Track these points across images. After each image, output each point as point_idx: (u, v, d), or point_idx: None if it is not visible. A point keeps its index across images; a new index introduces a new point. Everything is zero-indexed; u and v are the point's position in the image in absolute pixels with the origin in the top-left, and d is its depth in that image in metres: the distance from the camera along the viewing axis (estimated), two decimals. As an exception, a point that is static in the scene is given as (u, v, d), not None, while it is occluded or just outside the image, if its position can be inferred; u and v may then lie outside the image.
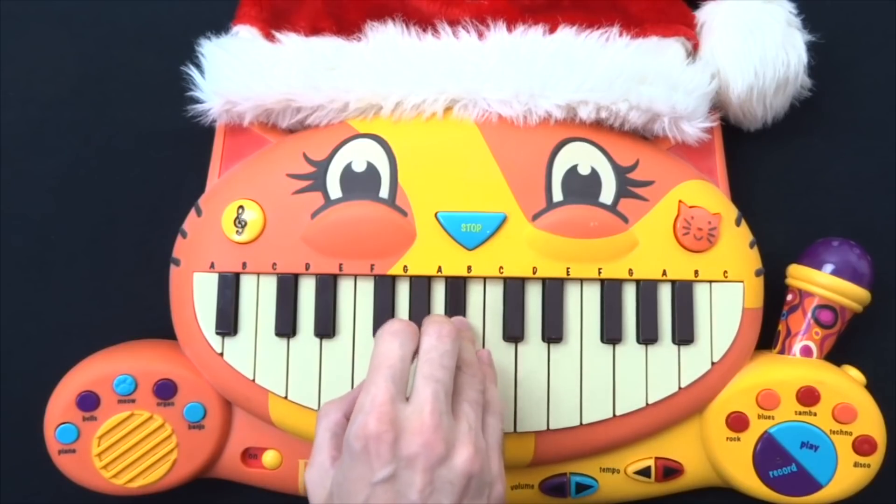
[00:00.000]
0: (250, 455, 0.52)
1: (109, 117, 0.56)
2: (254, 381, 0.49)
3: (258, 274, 0.49)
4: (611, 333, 0.50)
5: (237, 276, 0.49)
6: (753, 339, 0.51)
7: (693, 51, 0.52)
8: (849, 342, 0.53)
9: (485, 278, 0.50)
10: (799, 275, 0.52)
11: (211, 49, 0.50)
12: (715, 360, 0.50)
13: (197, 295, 0.49)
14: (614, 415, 0.49)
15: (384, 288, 0.49)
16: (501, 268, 0.49)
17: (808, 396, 0.50)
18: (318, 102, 0.49)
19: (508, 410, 0.49)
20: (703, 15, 0.53)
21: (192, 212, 0.51)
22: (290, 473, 0.51)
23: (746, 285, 0.50)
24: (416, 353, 0.43)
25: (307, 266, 0.49)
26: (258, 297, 0.50)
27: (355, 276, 0.49)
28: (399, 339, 0.42)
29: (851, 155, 0.57)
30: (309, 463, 0.42)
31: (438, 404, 0.40)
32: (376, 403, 0.39)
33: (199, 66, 0.50)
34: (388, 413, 0.39)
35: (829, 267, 0.51)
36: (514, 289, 0.50)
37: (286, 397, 0.49)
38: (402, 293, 0.50)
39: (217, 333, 0.49)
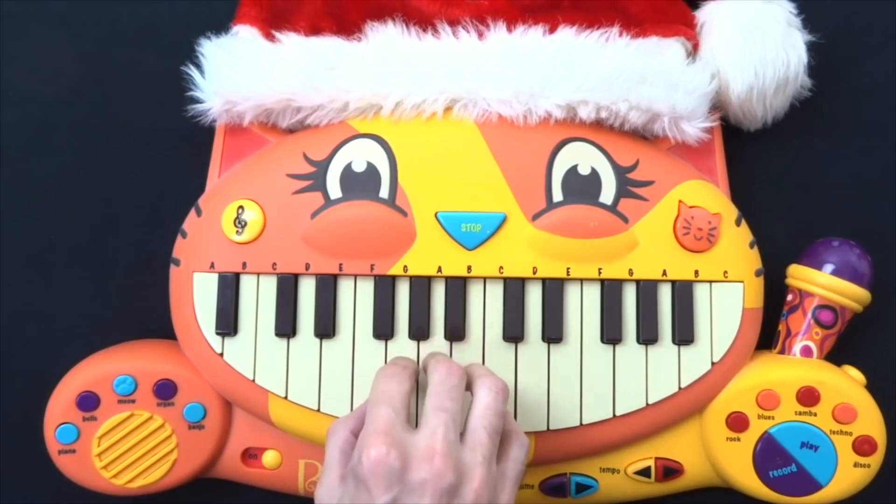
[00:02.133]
0: (250, 455, 0.52)
1: (109, 117, 0.56)
2: (254, 381, 0.49)
3: (258, 274, 0.49)
4: (611, 333, 0.50)
5: (237, 276, 0.49)
6: (753, 339, 0.51)
7: (693, 51, 0.52)
8: (849, 342, 0.53)
9: (485, 278, 0.50)
10: (799, 275, 0.52)
11: (211, 49, 0.50)
12: (715, 360, 0.50)
13: (197, 295, 0.49)
14: (614, 415, 0.49)
15: (384, 288, 0.49)
16: (501, 268, 0.49)
17: (808, 396, 0.50)
18: (318, 102, 0.49)
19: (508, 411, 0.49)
20: (703, 15, 0.53)
21: (192, 212, 0.51)
22: (290, 473, 0.51)
23: (746, 285, 0.50)
24: (416, 389, 0.44)
25: (307, 266, 0.49)
26: (258, 298, 0.50)
27: (355, 276, 0.49)
28: (396, 379, 0.43)
29: (851, 155, 0.57)
30: (319, 480, 0.43)
31: (448, 433, 0.40)
32: (377, 428, 0.40)
33: (199, 66, 0.50)
34: (389, 438, 0.39)
35: (829, 267, 0.51)
36: (514, 289, 0.50)
37: (286, 397, 0.49)
38: (402, 293, 0.50)
39: (217, 333, 0.49)
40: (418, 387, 0.47)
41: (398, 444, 0.39)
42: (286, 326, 0.49)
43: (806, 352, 0.51)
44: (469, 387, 0.44)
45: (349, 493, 0.40)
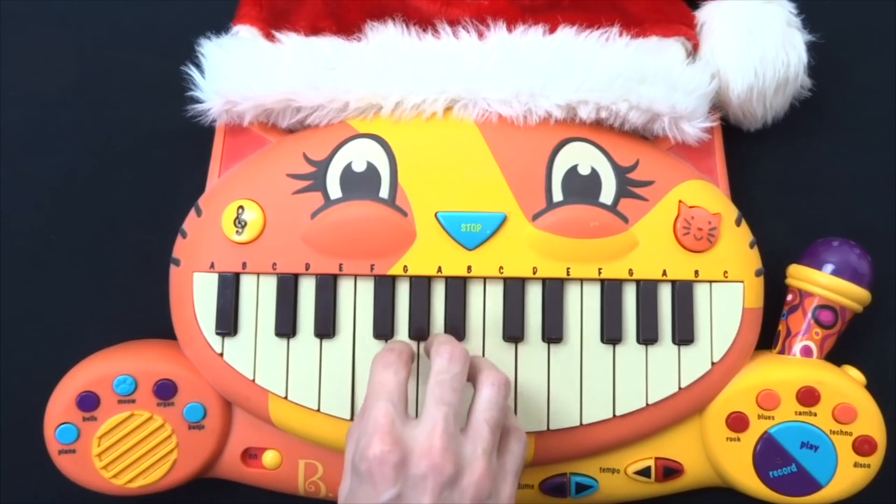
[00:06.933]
0: (250, 455, 0.52)
1: (109, 117, 0.56)
2: (254, 381, 0.49)
3: (258, 274, 0.49)
4: (611, 333, 0.50)
5: (237, 276, 0.49)
6: (753, 339, 0.51)
7: (693, 51, 0.52)
8: (849, 342, 0.53)
9: (485, 278, 0.50)
10: (799, 275, 0.52)
11: (211, 49, 0.50)
12: (715, 360, 0.50)
13: (197, 295, 0.49)
14: (614, 415, 0.49)
15: (384, 288, 0.49)
16: (501, 268, 0.49)
17: (808, 396, 0.50)
18: (318, 102, 0.49)
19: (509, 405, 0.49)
20: (703, 15, 0.53)
21: (192, 212, 0.51)
22: (290, 473, 0.51)
23: (746, 285, 0.50)
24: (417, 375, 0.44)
25: (307, 266, 0.49)
26: (258, 298, 0.50)
27: (355, 276, 0.49)
28: (392, 369, 0.43)
29: (851, 155, 0.57)
30: (342, 478, 0.43)
31: (448, 426, 0.40)
32: (378, 425, 0.40)
33: (199, 66, 0.50)
34: (390, 434, 0.40)
35: (829, 267, 0.51)
36: (514, 289, 0.50)
37: (286, 397, 0.49)
38: (402, 293, 0.50)
39: (217, 333, 0.49)
40: (419, 374, 0.48)
41: (399, 441, 0.39)
42: (286, 326, 0.49)
43: (806, 352, 0.51)
44: (472, 379, 0.44)
45: (353, 488, 0.40)
